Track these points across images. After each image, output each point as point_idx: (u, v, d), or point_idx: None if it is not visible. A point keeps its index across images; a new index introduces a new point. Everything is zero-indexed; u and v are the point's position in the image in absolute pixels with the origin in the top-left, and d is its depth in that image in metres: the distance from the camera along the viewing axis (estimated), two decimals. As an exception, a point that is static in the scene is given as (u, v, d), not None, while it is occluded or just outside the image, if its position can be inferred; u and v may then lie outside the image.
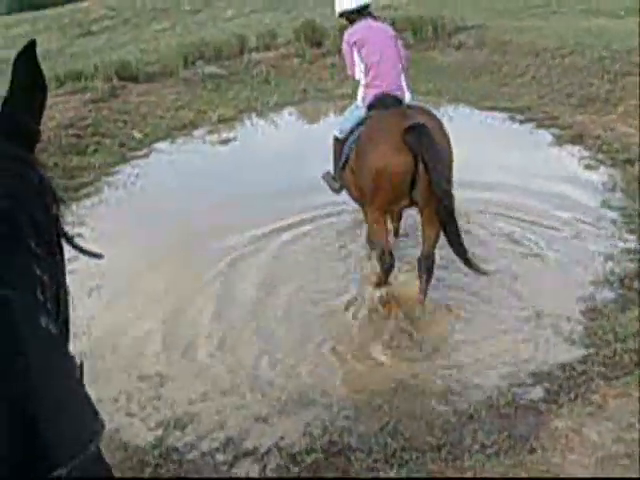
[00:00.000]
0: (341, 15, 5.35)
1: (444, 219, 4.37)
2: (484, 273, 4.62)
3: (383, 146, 4.45)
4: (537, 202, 6.38)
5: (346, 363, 4.44)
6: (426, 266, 4.72)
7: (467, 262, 4.51)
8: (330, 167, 5.55)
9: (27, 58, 1.26)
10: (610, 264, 5.27)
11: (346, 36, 5.23)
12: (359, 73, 5.16)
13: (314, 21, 13.51)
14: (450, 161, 4.50)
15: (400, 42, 5.31)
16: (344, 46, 5.24)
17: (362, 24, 5.19)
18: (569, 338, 4.44)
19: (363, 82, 5.13)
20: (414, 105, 5.00)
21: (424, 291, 4.79)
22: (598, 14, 14.01)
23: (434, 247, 4.68)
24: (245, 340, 4.68)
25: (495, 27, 12.84)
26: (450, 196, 4.32)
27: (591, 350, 4.26)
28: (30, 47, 1.25)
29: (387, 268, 4.81)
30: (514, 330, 4.58)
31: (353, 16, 5.24)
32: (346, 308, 4.98)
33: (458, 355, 4.41)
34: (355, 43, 5.10)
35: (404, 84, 5.16)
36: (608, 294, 4.89)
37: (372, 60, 5.03)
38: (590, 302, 4.80)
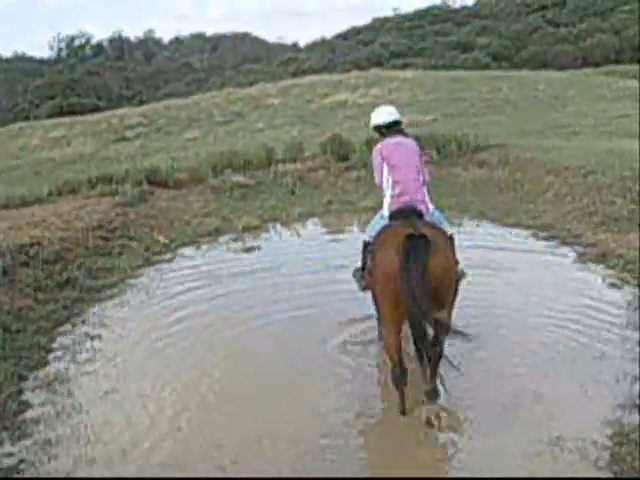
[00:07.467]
0: (375, 129, 5.69)
1: (411, 326, 4.50)
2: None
3: (387, 252, 4.65)
4: (560, 321, 6.28)
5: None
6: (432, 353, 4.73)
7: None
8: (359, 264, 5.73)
9: None
10: (636, 387, 5.12)
11: (377, 147, 5.51)
12: (386, 185, 5.34)
13: (340, 135, 13.93)
14: (442, 277, 4.57)
15: (424, 158, 5.50)
16: (375, 156, 5.49)
17: (392, 140, 5.48)
18: (596, 464, 4.26)
19: (389, 194, 5.33)
20: (428, 220, 5.12)
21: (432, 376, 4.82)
22: (619, 135, 14.30)
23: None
24: (262, 453, 4.55)
25: (517, 146, 13.12)
26: (419, 310, 4.35)
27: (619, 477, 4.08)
28: None
29: (397, 380, 4.79)
30: (536, 454, 4.41)
31: (385, 131, 5.59)
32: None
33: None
34: (384, 157, 5.36)
35: (426, 198, 5.35)
36: (635, 418, 4.71)
37: (398, 176, 5.28)
38: (616, 426, 4.63)
